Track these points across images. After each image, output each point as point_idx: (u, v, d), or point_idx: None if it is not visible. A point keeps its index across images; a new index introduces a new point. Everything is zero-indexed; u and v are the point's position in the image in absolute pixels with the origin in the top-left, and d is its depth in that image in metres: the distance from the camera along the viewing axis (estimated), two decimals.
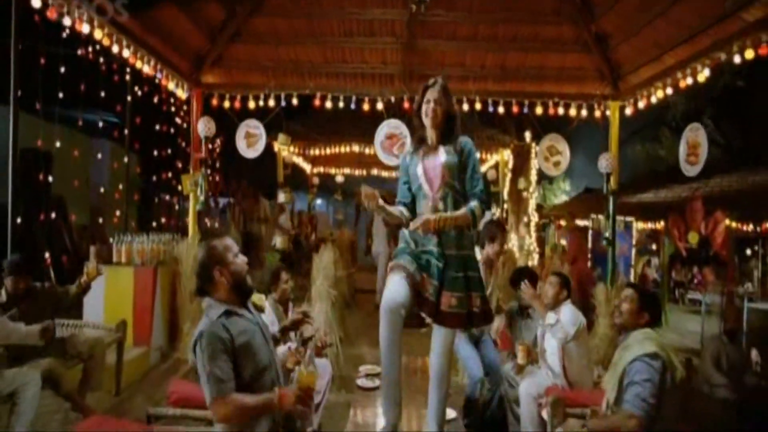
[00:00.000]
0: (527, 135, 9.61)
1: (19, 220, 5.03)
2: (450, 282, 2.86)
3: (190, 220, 6.37)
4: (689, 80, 5.05)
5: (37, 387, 3.51)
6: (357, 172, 14.13)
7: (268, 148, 7.38)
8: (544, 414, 3.56)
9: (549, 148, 6.59)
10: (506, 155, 11.25)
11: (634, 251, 8.83)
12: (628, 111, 6.13)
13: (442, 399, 3.06)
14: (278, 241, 8.05)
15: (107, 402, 4.56)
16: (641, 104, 5.84)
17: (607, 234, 6.36)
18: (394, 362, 2.87)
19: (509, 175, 11.57)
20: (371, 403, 3.98)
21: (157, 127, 8.55)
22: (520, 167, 10.95)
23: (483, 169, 12.79)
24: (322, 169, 14.21)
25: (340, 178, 14.97)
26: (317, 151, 11.83)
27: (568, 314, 3.92)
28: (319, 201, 22.71)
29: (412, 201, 3.06)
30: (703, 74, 4.89)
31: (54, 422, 3.95)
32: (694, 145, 5.19)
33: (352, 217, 19.00)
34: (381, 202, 2.86)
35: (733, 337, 5.85)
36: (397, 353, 2.86)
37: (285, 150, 8.79)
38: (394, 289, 2.79)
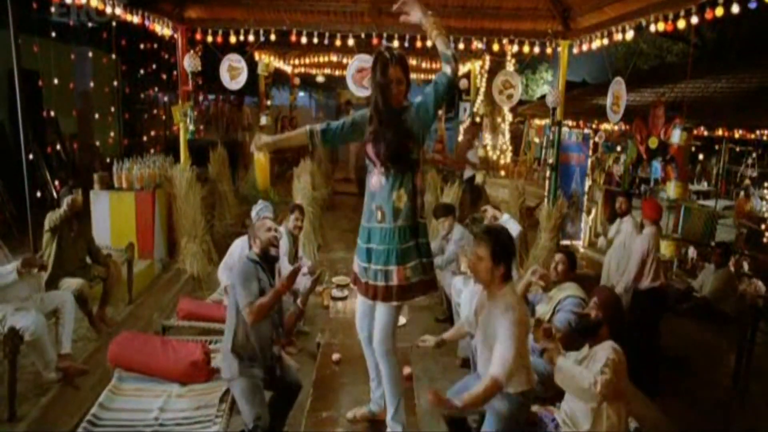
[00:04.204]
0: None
1: (31, 157, 5.65)
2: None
3: (182, 148, 6.99)
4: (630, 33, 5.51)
5: (73, 304, 4.39)
6: (337, 73, 14.44)
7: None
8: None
9: (503, 82, 7.15)
10: (477, 66, 11.70)
11: (589, 162, 9.57)
12: (576, 50, 6.66)
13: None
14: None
15: (123, 311, 5.44)
16: (585, 47, 6.34)
17: (551, 161, 7.15)
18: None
19: (486, 77, 12.11)
20: (342, 306, 5.05)
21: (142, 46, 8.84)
22: (497, 69, 11.43)
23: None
24: (303, 70, 14.49)
25: (320, 78, 15.26)
26: (297, 61, 12.22)
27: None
28: (301, 94, 22.86)
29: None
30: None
31: (82, 329, 4.95)
32: (617, 96, 5.91)
33: (334, 110, 19.37)
34: None
35: None
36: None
37: (265, 72, 9.20)
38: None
